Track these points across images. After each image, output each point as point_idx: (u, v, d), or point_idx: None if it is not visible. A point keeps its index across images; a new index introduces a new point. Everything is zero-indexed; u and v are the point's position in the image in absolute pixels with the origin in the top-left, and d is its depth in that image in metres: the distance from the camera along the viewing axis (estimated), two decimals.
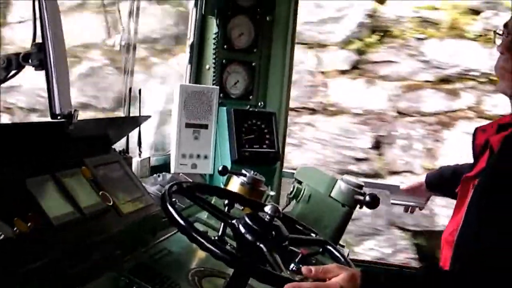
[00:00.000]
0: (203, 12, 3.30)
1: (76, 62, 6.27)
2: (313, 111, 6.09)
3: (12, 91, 6.37)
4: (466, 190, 2.09)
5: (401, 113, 6.07)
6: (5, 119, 6.29)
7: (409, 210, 3.23)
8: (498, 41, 2.13)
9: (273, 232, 1.86)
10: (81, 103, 6.15)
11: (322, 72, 6.13)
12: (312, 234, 2.20)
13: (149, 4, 5.77)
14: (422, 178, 3.08)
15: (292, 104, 5.44)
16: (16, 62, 1.88)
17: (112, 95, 6.15)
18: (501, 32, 2.11)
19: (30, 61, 1.88)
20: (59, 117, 1.89)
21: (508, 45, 2.10)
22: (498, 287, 1.70)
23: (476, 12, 6.04)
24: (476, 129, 2.32)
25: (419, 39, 6.11)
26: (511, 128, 2.02)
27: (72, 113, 1.91)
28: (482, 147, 2.21)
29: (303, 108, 6.07)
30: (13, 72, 1.90)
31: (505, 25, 2.12)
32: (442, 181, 3.01)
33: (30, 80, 6.14)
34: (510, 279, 1.69)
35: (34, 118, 6.44)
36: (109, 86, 6.24)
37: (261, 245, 1.80)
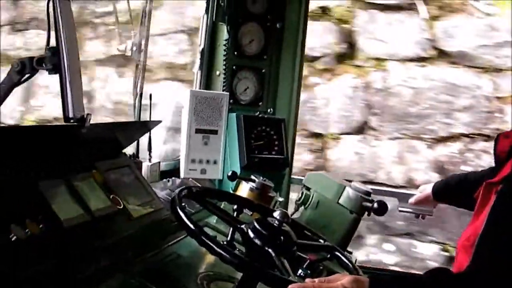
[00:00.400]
0: (213, 19, 3.32)
1: None
2: (488, 137, 5.88)
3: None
4: (488, 196, 2.08)
5: None
6: None
7: (420, 216, 3.23)
8: None
9: (282, 237, 1.87)
10: None
11: (498, 98, 5.94)
12: (321, 240, 2.21)
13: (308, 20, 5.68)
14: (429, 190, 3.08)
15: (466, 130, 5.44)
16: (30, 66, 1.90)
17: None
18: None
19: (44, 65, 1.90)
20: (71, 121, 1.91)
21: None
22: None
23: None
24: (499, 135, 2.31)
25: None
26: None
27: (85, 117, 1.93)
28: (507, 153, 2.20)
29: (478, 134, 5.75)
30: (26, 75, 1.92)
31: None
32: (448, 191, 3.01)
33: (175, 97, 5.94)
34: None
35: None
36: None
37: (270, 250, 1.81)
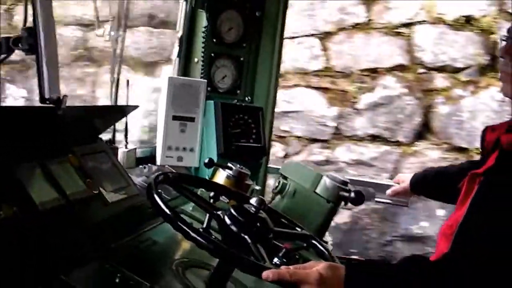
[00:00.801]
0: (193, 5, 3.29)
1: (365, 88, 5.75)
2: None
3: (286, 117, 5.85)
4: (472, 186, 2.10)
5: None
6: (279, 148, 5.78)
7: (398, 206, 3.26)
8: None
9: (258, 224, 1.87)
10: (370, 135, 5.69)
11: None
12: (297, 229, 2.21)
13: (450, 30, 5.50)
14: (407, 182, 3.10)
15: None
16: (6, 46, 1.88)
17: (410, 126, 5.65)
18: (504, 38, 2.14)
19: (20, 45, 1.88)
20: (47, 102, 1.89)
21: (507, 49, 2.13)
22: (487, 280, 1.71)
23: None
24: (486, 128, 2.33)
25: None
26: None
27: (61, 98, 1.91)
28: (493, 145, 2.22)
29: None
30: (3, 56, 1.89)
31: (508, 30, 2.14)
32: (426, 184, 3.02)
33: (310, 105, 5.80)
34: (500, 276, 1.70)
35: (315, 149, 5.86)
36: (406, 118, 5.67)
37: (246, 236, 1.81)
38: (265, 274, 1.63)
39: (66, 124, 2.11)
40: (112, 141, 2.71)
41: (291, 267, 1.72)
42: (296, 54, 5.82)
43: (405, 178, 3.14)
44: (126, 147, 2.85)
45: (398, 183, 3.17)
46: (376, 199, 3.29)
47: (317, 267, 1.69)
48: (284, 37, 3.56)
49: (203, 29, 3.28)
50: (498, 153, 2.09)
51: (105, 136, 2.61)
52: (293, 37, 5.77)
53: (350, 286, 1.69)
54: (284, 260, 1.82)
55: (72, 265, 1.76)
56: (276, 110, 3.62)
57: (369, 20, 5.75)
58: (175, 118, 3.03)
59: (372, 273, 1.74)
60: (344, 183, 2.80)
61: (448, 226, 2.16)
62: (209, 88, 3.24)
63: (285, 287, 1.66)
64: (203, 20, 3.29)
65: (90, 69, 6.32)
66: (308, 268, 1.70)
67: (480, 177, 2.08)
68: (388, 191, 3.18)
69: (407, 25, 5.65)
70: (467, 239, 1.96)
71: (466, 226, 2.01)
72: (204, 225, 1.89)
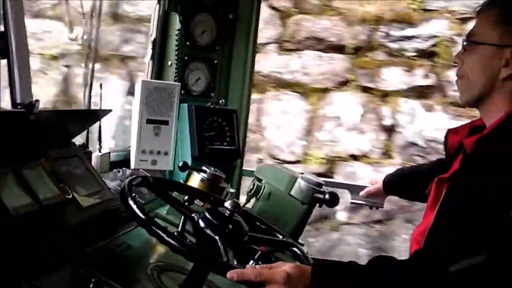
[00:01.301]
0: (166, 8, 3.29)
1: None
2: None
3: None
4: (440, 191, 2.10)
5: None
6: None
7: (373, 208, 3.27)
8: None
9: (231, 226, 1.87)
10: None
11: None
12: (273, 231, 2.22)
13: None
14: (379, 183, 3.11)
15: None
16: None
17: None
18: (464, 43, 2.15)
19: None
20: (19, 107, 1.88)
21: (459, 55, 2.15)
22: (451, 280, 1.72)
23: None
24: (448, 131, 2.35)
25: None
26: (485, 131, 2.04)
27: (33, 103, 1.89)
28: (456, 149, 2.23)
29: None
30: None
31: (466, 35, 2.15)
32: (399, 184, 3.04)
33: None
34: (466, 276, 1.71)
35: None
36: None
37: (219, 239, 1.81)
38: (229, 274, 1.64)
39: (39, 129, 2.09)
40: (85, 145, 2.69)
41: (257, 267, 1.73)
42: None
43: (378, 179, 3.15)
44: (100, 151, 2.83)
45: (373, 185, 3.18)
46: (351, 201, 3.30)
47: (284, 267, 1.70)
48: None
49: (177, 32, 3.27)
50: (462, 157, 2.10)
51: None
52: None
53: (316, 286, 1.70)
54: (260, 263, 1.82)
55: (46, 270, 1.75)
56: None
57: None
58: (149, 121, 3.02)
59: (339, 273, 1.75)
60: (319, 185, 2.81)
61: (419, 232, 2.16)
62: (182, 91, 3.23)
63: (253, 287, 1.68)
64: (176, 23, 3.28)
65: None
66: (275, 268, 1.71)
67: (447, 181, 2.09)
68: (362, 192, 3.19)
69: None
70: (435, 243, 1.97)
71: (434, 233, 2.02)
72: (179, 229, 1.88)
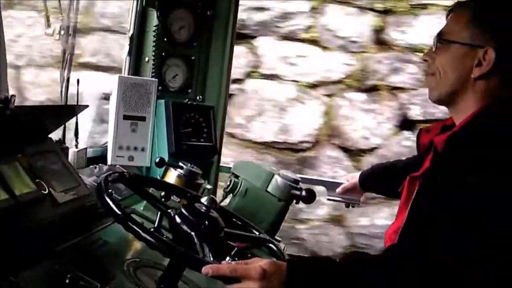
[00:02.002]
0: (143, 4, 3.27)
1: None
2: None
3: None
4: (412, 189, 2.12)
5: None
6: None
7: (350, 205, 3.28)
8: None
9: (207, 222, 1.88)
10: None
11: None
12: (249, 228, 2.23)
13: None
14: (356, 179, 3.13)
15: None
16: None
17: None
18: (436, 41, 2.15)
19: None
20: None
21: (430, 52, 2.16)
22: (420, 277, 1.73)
23: None
24: (421, 130, 2.36)
25: None
26: (455, 128, 2.05)
27: (9, 97, 1.89)
28: (427, 147, 2.24)
29: None
30: None
31: (437, 34, 2.16)
32: (375, 180, 3.05)
33: None
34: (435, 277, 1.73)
35: None
36: None
37: (195, 235, 1.82)
38: (204, 269, 1.65)
39: (15, 124, 2.09)
40: (62, 141, 2.68)
41: (233, 262, 1.74)
42: None
43: (355, 175, 3.17)
44: (76, 147, 2.82)
45: (349, 181, 3.20)
46: (327, 198, 3.31)
47: (260, 263, 1.71)
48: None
49: (154, 28, 3.26)
50: (433, 155, 2.12)
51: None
52: None
53: (292, 282, 1.71)
54: (236, 259, 1.83)
55: (22, 266, 1.75)
56: None
57: None
58: (126, 117, 3.01)
59: (314, 269, 1.75)
60: (296, 181, 2.82)
61: (393, 230, 2.18)
62: (160, 87, 3.23)
63: (229, 283, 1.69)
64: (153, 19, 3.27)
65: None
66: (250, 264, 1.72)
67: (419, 179, 2.10)
68: (338, 189, 3.20)
69: None
70: (408, 243, 1.99)
71: (407, 231, 2.04)
72: (156, 225, 1.89)
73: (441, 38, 2.11)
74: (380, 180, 3.00)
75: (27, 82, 6.20)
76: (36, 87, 6.15)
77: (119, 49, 5.82)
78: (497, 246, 1.68)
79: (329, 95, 5.84)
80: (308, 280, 1.73)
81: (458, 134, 2.00)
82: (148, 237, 1.68)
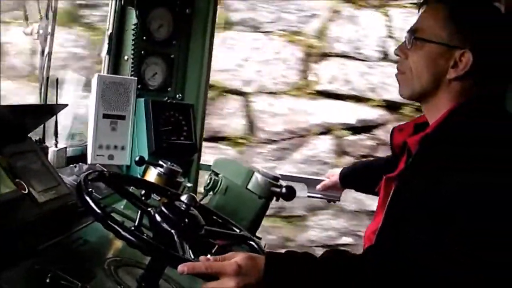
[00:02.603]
0: (122, 3, 3.27)
1: None
2: None
3: None
4: (389, 190, 2.08)
5: None
6: None
7: (331, 202, 3.31)
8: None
9: (187, 220, 1.88)
10: None
11: None
12: (233, 228, 2.24)
13: None
14: (336, 176, 3.14)
15: None
16: None
17: None
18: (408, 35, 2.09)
19: None
20: None
21: (403, 48, 2.07)
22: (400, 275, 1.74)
23: None
24: (393, 129, 2.31)
25: None
26: (428, 129, 2.01)
27: None
28: (401, 147, 2.23)
29: None
30: None
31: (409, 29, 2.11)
32: (354, 178, 3.07)
33: None
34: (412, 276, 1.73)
35: None
36: None
37: (175, 233, 1.83)
38: (180, 267, 1.65)
39: None
40: (42, 140, 2.68)
41: (211, 258, 1.73)
42: None
43: (335, 173, 3.18)
44: (56, 146, 2.82)
45: (329, 178, 3.21)
46: (308, 195, 3.33)
47: (236, 258, 1.71)
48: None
49: (133, 27, 3.26)
50: (407, 157, 2.11)
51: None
52: None
53: (270, 277, 1.70)
54: None
55: (2, 265, 1.75)
56: None
57: None
58: (105, 116, 3.01)
59: (293, 264, 1.75)
60: (276, 178, 2.83)
61: (372, 231, 2.16)
62: (139, 86, 3.23)
63: (206, 279, 1.69)
64: (132, 18, 3.27)
65: None
66: (227, 259, 1.72)
67: (394, 180, 2.07)
68: (318, 186, 3.23)
69: None
70: (386, 243, 1.99)
71: (384, 232, 2.03)
72: (136, 223, 1.89)
73: (416, 35, 2.02)
74: (360, 178, 3.02)
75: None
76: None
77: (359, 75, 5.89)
78: (473, 243, 1.68)
79: None
80: (286, 275, 1.72)
81: (431, 136, 1.96)
82: (128, 236, 1.69)
